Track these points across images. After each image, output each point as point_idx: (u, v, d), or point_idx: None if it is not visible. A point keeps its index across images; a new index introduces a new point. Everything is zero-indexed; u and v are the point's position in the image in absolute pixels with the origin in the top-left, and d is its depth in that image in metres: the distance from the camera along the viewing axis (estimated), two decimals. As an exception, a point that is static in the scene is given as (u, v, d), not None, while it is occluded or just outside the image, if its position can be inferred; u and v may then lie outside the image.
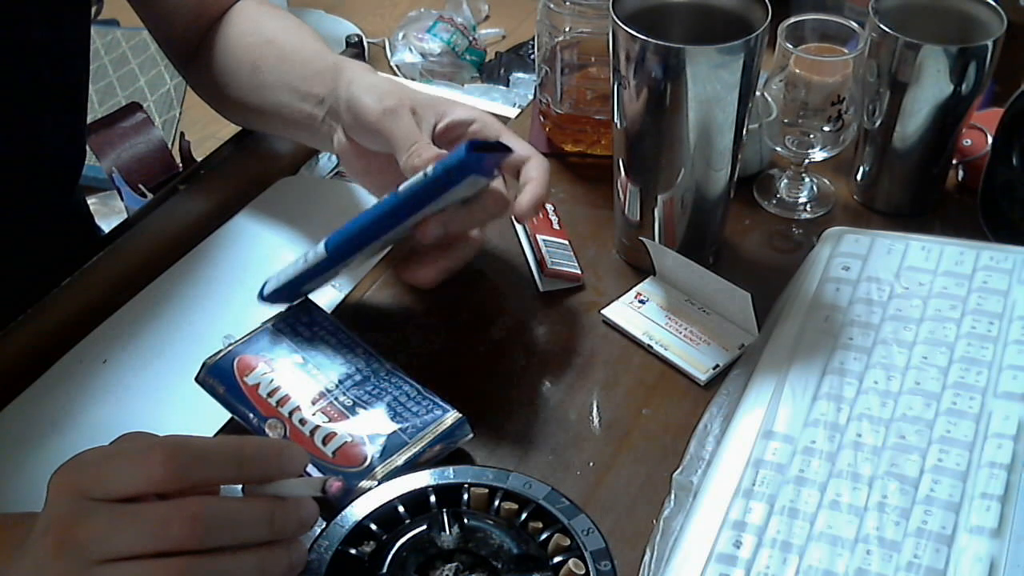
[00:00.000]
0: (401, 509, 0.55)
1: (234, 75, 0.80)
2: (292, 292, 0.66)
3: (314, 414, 0.60)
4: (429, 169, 0.59)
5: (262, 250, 0.81)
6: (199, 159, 0.88)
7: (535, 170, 0.68)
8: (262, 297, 0.67)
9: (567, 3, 0.80)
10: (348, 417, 0.60)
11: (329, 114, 0.72)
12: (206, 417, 0.64)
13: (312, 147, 0.90)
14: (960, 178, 0.82)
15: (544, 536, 0.54)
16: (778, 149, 0.77)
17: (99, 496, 0.44)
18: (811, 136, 0.75)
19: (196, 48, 0.84)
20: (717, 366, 0.67)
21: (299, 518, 0.49)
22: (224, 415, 0.64)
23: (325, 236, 0.63)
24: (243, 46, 0.80)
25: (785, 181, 0.82)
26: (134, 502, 0.45)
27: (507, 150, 0.63)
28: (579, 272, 0.75)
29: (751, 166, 0.83)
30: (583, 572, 0.51)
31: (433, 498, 0.55)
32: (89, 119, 0.85)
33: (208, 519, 0.45)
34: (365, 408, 0.61)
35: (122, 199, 0.90)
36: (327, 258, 0.63)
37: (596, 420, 0.66)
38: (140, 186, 0.87)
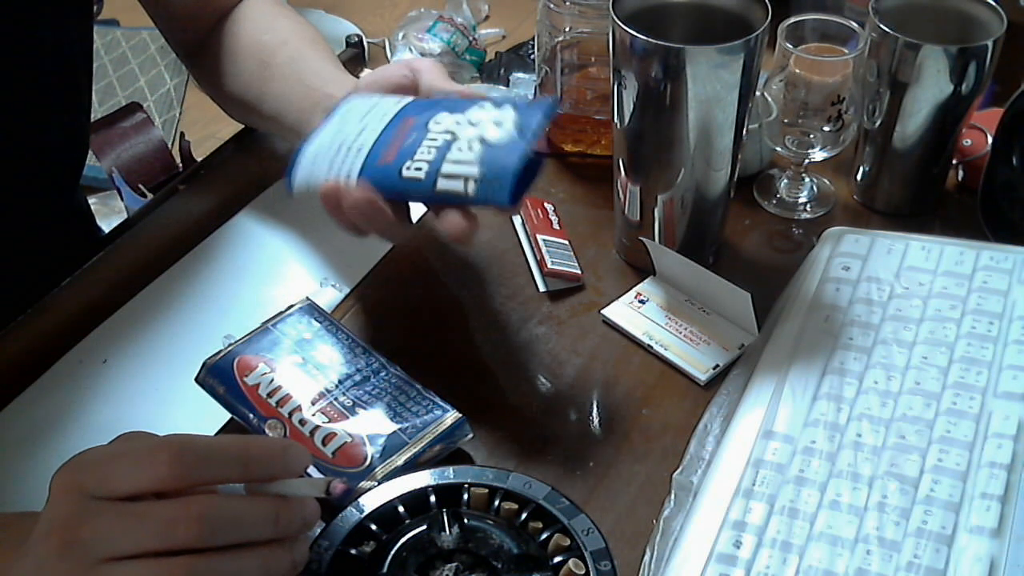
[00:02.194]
0: (401, 509, 0.55)
1: (240, 68, 0.79)
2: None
3: (314, 414, 0.60)
4: (471, 188, 0.57)
5: (262, 250, 0.81)
6: (199, 159, 0.88)
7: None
8: (290, 192, 0.64)
9: (567, 3, 0.80)
10: (348, 417, 0.60)
11: (331, 97, 0.70)
12: (206, 417, 0.64)
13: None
14: (960, 178, 0.82)
15: (544, 536, 0.54)
16: (778, 149, 0.77)
17: (103, 495, 0.44)
18: (811, 136, 0.75)
19: (202, 41, 0.84)
20: (717, 366, 0.67)
21: (302, 517, 0.49)
22: (224, 415, 0.64)
23: (358, 164, 0.60)
24: (256, 42, 0.79)
25: (785, 181, 0.82)
26: (135, 501, 0.45)
27: (538, 165, 0.61)
28: (579, 272, 0.75)
29: (751, 166, 0.83)
30: (583, 572, 0.51)
31: (433, 498, 0.55)
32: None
33: (213, 518, 0.45)
34: (365, 408, 0.61)
35: (122, 199, 0.90)
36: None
37: (596, 420, 0.66)
38: (140, 186, 0.87)
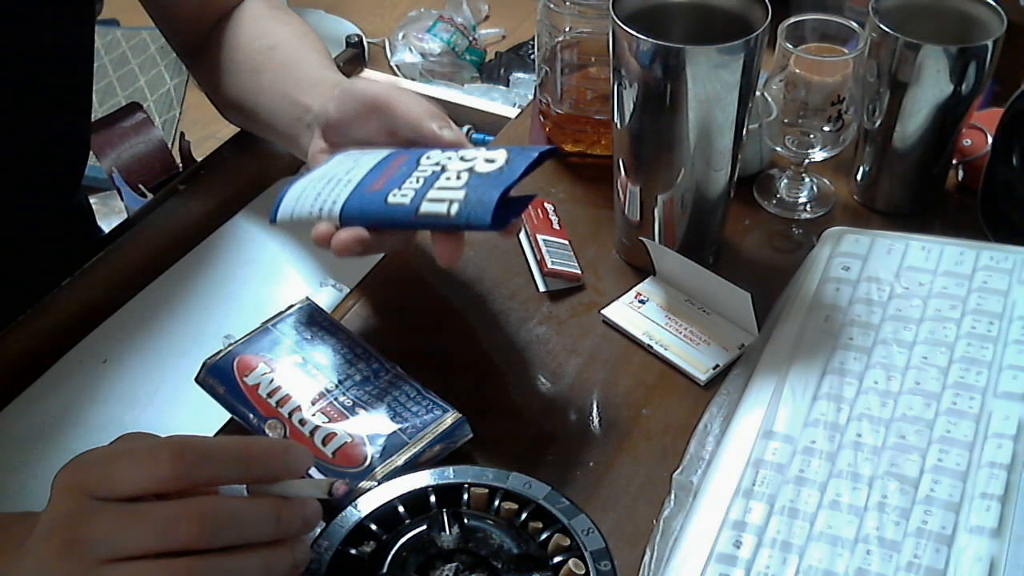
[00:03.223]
0: (401, 509, 0.55)
1: (235, 76, 0.80)
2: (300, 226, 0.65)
3: (314, 414, 0.60)
4: (455, 210, 0.57)
5: (262, 250, 0.81)
6: (199, 159, 0.89)
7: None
8: (273, 222, 0.65)
9: (567, 3, 0.80)
10: (348, 417, 0.60)
11: (314, 119, 0.70)
12: (206, 417, 0.64)
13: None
14: (960, 178, 0.82)
15: (544, 536, 0.54)
16: (778, 149, 0.77)
17: (105, 495, 0.44)
18: (811, 136, 0.75)
19: (201, 43, 0.84)
20: (717, 366, 0.67)
21: (304, 517, 0.49)
22: (224, 415, 0.64)
23: (344, 193, 0.61)
24: (249, 50, 0.80)
25: (785, 181, 0.82)
26: (137, 502, 0.45)
27: (527, 201, 0.62)
28: (579, 272, 0.75)
29: (751, 166, 0.83)
30: (583, 572, 0.51)
31: (433, 498, 0.55)
32: (89, 119, 0.85)
33: (215, 518, 0.45)
34: (365, 408, 0.61)
35: (122, 199, 0.90)
36: (337, 223, 0.61)
37: (596, 420, 0.66)
38: (140, 186, 0.87)
